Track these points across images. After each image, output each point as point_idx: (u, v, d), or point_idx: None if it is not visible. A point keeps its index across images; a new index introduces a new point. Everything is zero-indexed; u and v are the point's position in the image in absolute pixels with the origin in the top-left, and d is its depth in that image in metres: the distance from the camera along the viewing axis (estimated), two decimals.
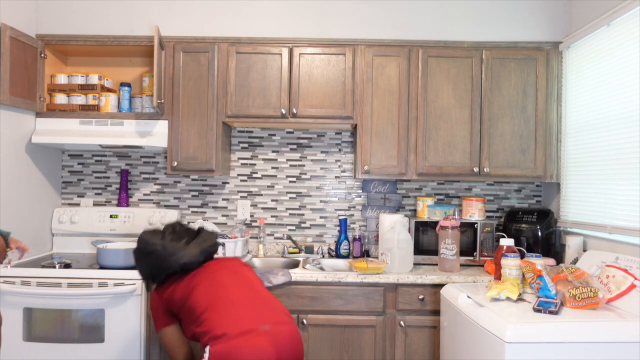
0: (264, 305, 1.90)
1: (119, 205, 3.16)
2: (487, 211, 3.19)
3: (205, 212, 3.22)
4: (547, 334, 1.73)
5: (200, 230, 2.20)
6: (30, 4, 2.85)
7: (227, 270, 2.03)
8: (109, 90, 3.04)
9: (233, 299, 1.87)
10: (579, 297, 1.92)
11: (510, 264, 2.20)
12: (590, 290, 1.92)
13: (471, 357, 1.99)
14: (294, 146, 3.24)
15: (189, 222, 3.20)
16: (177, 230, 2.14)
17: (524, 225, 2.84)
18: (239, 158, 3.24)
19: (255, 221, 3.23)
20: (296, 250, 3.13)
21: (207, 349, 1.75)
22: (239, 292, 1.92)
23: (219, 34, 2.91)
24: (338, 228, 3.19)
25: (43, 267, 2.56)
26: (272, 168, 3.24)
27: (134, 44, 2.91)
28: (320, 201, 3.23)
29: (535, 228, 2.80)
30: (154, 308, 2.06)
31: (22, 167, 2.78)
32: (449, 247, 2.69)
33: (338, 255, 3.06)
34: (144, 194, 3.23)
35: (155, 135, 2.86)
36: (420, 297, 2.58)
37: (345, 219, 3.09)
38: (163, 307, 2.02)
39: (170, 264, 1.99)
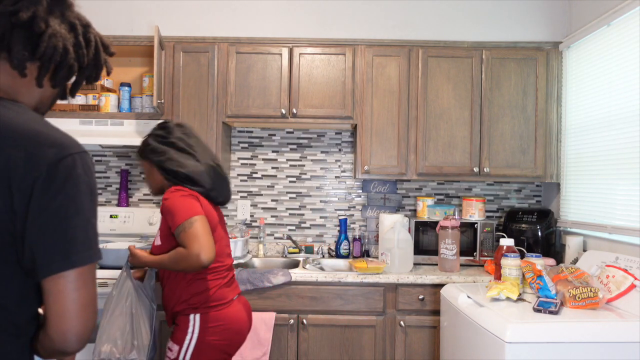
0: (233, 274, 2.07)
1: (119, 205, 3.15)
2: (487, 211, 3.19)
3: None
4: (547, 334, 1.73)
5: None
6: None
7: (223, 227, 2.05)
8: (109, 90, 3.04)
9: (227, 264, 1.99)
10: (579, 297, 1.92)
11: (510, 264, 2.19)
12: (590, 290, 1.92)
13: (471, 357, 1.99)
14: (294, 146, 3.24)
15: None
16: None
17: (524, 225, 2.84)
18: (239, 158, 3.24)
19: (255, 221, 3.22)
20: (296, 250, 3.13)
21: (198, 314, 1.85)
22: (229, 257, 2.03)
23: (219, 34, 2.90)
24: (338, 228, 3.19)
25: None
26: (272, 168, 3.24)
27: (134, 44, 2.91)
28: (320, 201, 3.23)
29: (535, 228, 2.80)
30: (181, 199, 1.79)
31: None
32: (449, 247, 2.69)
33: (338, 255, 3.06)
34: (144, 194, 3.22)
35: None
36: (420, 297, 2.58)
37: (345, 219, 3.09)
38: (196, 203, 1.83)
39: (206, 182, 1.90)
